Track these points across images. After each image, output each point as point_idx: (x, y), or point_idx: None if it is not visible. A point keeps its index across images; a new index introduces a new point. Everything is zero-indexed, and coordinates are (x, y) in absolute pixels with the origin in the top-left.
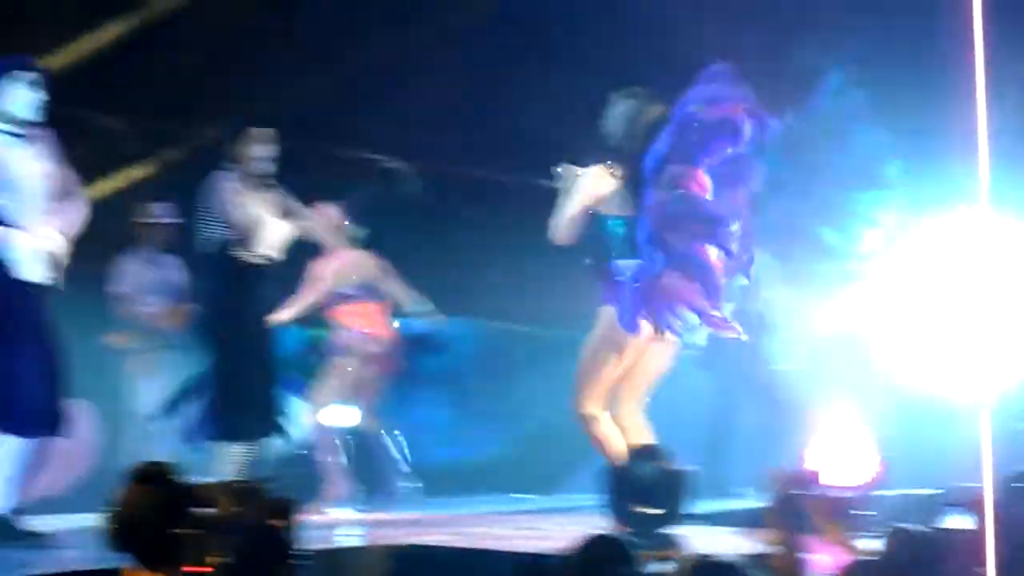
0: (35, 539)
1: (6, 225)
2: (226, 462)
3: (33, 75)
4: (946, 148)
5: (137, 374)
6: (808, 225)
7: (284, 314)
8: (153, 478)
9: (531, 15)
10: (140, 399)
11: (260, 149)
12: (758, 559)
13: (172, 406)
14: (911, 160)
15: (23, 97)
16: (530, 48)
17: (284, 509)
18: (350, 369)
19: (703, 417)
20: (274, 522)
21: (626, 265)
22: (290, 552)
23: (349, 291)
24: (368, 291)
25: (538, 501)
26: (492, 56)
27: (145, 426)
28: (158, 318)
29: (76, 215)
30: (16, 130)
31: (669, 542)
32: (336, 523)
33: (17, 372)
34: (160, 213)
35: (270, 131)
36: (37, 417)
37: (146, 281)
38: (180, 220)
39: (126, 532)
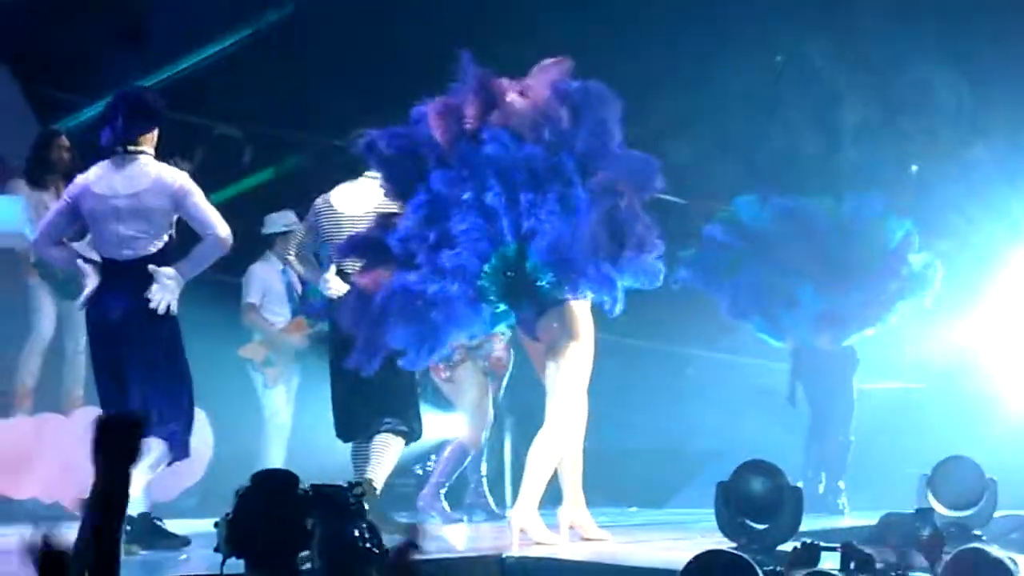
0: (175, 541)
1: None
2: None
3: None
4: None
5: (268, 384)
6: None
7: None
8: (271, 485)
9: None
10: (270, 408)
11: None
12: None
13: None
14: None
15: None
16: None
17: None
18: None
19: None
20: (363, 528)
21: None
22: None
23: None
24: None
25: (647, 514)
26: None
27: (269, 434)
28: (286, 329)
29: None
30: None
31: (783, 557)
32: (441, 534)
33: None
34: (291, 222)
35: None
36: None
37: (275, 291)
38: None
39: (242, 537)
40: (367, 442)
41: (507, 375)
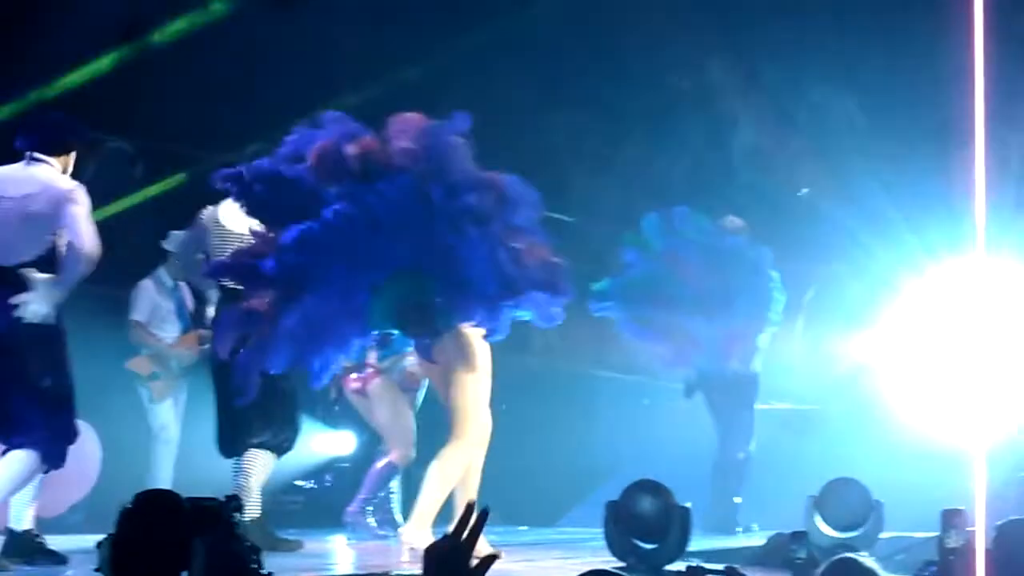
0: (54, 558)
1: None
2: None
3: None
4: (948, 195)
5: (155, 399)
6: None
7: None
8: (153, 506)
9: None
10: (157, 423)
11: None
12: None
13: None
14: (916, 209)
15: None
16: None
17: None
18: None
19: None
20: (245, 547)
21: None
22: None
23: None
24: None
25: (538, 533)
26: None
27: (156, 449)
28: (175, 344)
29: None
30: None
31: None
32: (330, 551)
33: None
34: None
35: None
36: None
37: (164, 309)
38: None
39: (124, 559)
40: (240, 457)
41: (423, 389)
